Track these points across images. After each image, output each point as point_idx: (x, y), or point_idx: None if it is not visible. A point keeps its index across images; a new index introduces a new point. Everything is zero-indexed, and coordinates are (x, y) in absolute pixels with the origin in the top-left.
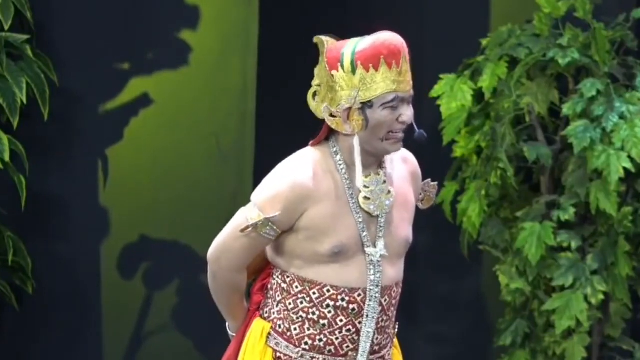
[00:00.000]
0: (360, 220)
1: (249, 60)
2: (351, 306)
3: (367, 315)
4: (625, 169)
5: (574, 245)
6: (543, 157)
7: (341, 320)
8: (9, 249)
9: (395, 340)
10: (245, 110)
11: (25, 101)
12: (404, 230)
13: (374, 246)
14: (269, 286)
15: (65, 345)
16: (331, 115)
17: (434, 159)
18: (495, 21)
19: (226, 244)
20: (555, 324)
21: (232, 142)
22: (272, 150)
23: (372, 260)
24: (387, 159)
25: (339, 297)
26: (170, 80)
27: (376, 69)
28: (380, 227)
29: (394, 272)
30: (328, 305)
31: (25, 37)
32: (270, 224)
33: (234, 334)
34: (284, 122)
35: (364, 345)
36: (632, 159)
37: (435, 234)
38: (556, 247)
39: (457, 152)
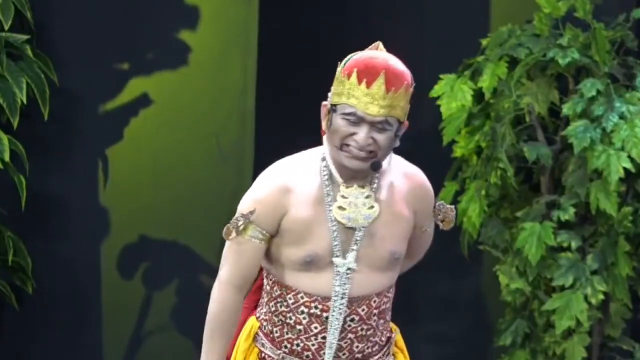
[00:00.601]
0: (335, 229)
1: (249, 60)
2: (324, 314)
3: (331, 326)
4: (625, 169)
5: (574, 245)
6: (543, 157)
7: (315, 327)
8: (9, 249)
9: (402, 343)
10: (245, 110)
11: (25, 101)
12: (390, 244)
13: (344, 257)
14: (264, 286)
15: (65, 345)
16: None
17: (434, 159)
18: (495, 21)
19: (224, 255)
20: (555, 324)
21: (232, 142)
22: (272, 150)
23: (338, 272)
24: (382, 172)
25: (312, 304)
26: (170, 80)
27: (348, 78)
28: (357, 239)
29: (374, 283)
30: (303, 312)
31: (25, 37)
32: (254, 226)
33: None
34: (284, 122)
35: (328, 355)
36: (632, 159)
37: (435, 233)
38: (556, 247)
39: (457, 152)
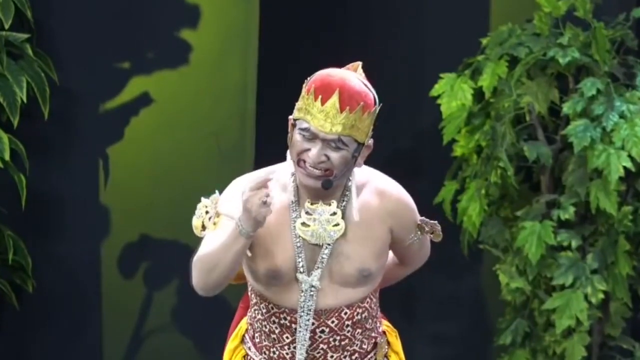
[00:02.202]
0: (299, 245)
1: (249, 60)
2: (293, 326)
3: (299, 340)
4: (625, 168)
5: (574, 244)
6: (543, 157)
7: (287, 337)
8: (9, 248)
9: (398, 347)
10: (245, 110)
11: (25, 100)
12: (358, 263)
13: (308, 275)
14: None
15: (65, 344)
16: None
17: (434, 158)
18: (496, 20)
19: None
20: (555, 323)
21: (232, 141)
22: (272, 150)
23: (302, 289)
24: (354, 192)
25: (282, 315)
26: (170, 79)
27: (307, 94)
28: (323, 257)
29: (343, 296)
30: (274, 322)
31: (25, 36)
32: (223, 216)
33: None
34: (284, 122)
35: None
36: (632, 158)
37: None
38: (556, 246)
39: (457, 151)
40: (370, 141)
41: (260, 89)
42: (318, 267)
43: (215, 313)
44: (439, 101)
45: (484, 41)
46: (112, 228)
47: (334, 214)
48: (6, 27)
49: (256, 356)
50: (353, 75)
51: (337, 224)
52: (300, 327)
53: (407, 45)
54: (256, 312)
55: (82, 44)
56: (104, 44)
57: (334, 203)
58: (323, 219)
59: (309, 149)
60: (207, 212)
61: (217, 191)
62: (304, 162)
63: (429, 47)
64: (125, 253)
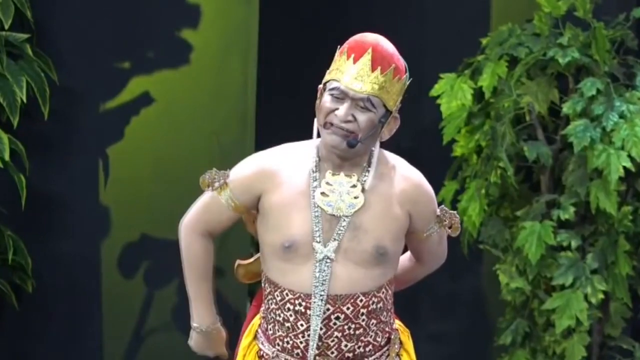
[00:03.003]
0: (317, 214)
1: (249, 60)
2: (308, 312)
3: (314, 313)
4: (625, 168)
5: (573, 244)
6: (543, 157)
7: (302, 325)
8: (9, 247)
9: (409, 346)
10: (245, 109)
11: (25, 100)
12: (375, 239)
13: (324, 246)
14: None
15: (65, 344)
16: None
17: (434, 158)
18: (495, 20)
19: (197, 201)
20: (555, 323)
21: (232, 141)
22: None
23: (317, 259)
24: (376, 168)
25: (296, 301)
26: (170, 79)
27: (340, 55)
28: (340, 229)
29: (358, 280)
30: (289, 309)
31: (25, 36)
32: (228, 190)
33: (195, 325)
34: (284, 122)
35: (312, 346)
36: (632, 158)
37: None
38: (556, 246)
39: (457, 151)
40: (398, 115)
41: (260, 89)
42: (334, 239)
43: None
44: (438, 101)
45: (484, 41)
46: (112, 227)
47: (354, 186)
48: (6, 27)
49: (269, 349)
50: (387, 40)
51: (356, 197)
52: (315, 297)
53: (407, 45)
54: (270, 302)
55: (82, 44)
56: (104, 43)
57: (355, 176)
58: (343, 190)
59: (337, 108)
60: (215, 179)
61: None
62: (331, 123)
63: (429, 47)
64: (125, 252)
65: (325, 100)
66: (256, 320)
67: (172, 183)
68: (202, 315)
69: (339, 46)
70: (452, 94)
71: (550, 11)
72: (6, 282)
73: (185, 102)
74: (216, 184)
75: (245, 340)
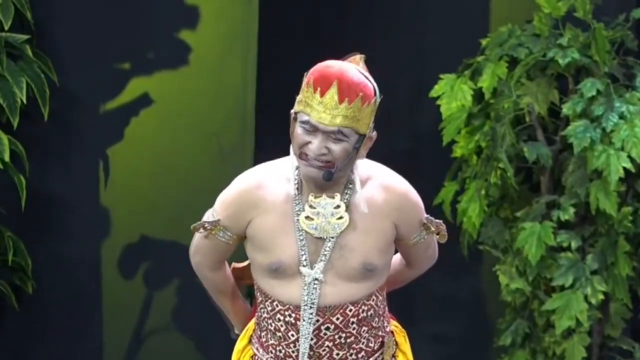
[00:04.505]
0: (302, 238)
1: (249, 60)
2: (299, 323)
3: (302, 334)
4: (625, 169)
5: (573, 245)
6: (543, 157)
7: (292, 335)
8: (9, 249)
9: (406, 347)
10: (245, 110)
11: (25, 101)
12: (361, 256)
13: (311, 268)
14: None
15: (65, 345)
16: None
17: (434, 159)
18: (495, 21)
19: (195, 242)
20: (555, 324)
21: (233, 141)
22: (272, 150)
23: (305, 282)
24: (357, 184)
25: (286, 312)
26: (170, 80)
27: (307, 86)
28: (326, 250)
29: (347, 292)
30: (279, 319)
31: (25, 37)
32: (222, 227)
33: (238, 334)
34: (284, 122)
35: None
36: (632, 159)
37: None
38: (556, 247)
39: (457, 152)
40: (374, 133)
41: (260, 89)
42: (321, 260)
43: (216, 313)
44: (438, 102)
45: (484, 42)
46: (112, 229)
47: (338, 207)
48: (6, 28)
49: (263, 356)
50: (352, 67)
51: (340, 217)
52: (304, 320)
53: (406, 46)
54: (262, 310)
55: (82, 44)
56: (103, 44)
57: (338, 196)
58: (327, 212)
59: (310, 142)
60: (205, 224)
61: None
62: (306, 155)
63: (428, 47)
64: (125, 253)
65: (298, 132)
66: (251, 325)
67: (172, 184)
68: (241, 328)
69: (306, 73)
70: (452, 95)
71: (550, 12)
72: (6, 283)
73: (185, 103)
74: (207, 226)
75: (239, 343)
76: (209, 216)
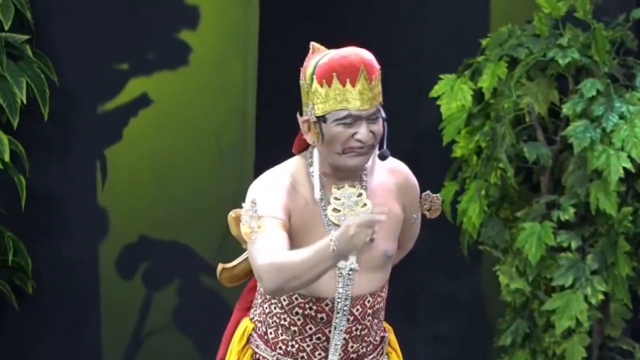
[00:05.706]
0: (329, 231)
1: (249, 60)
2: (319, 315)
3: (336, 328)
4: (625, 169)
5: (573, 245)
6: (543, 157)
7: (310, 329)
8: (9, 248)
9: (395, 344)
10: (245, 110)
11: (25, 101)
12: (383, 243)
13: (346, 259)
14: (257, 287)
15: (65, 345)
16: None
17: (434, 159)
18: (495, 21)
19: (252, 254)
20: (555, 324)
21: (232, 142)
22: (272, 150)
23: (341, 273)
24: (369, 170)
25: (307, 305)
26: (169, 80)
27: (329, 84)
28: None
29: (368, 283)
30: (297, 313)
31: (25, 37)
32: (269, 219)
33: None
34: (284, 122)
35: (332, 358)
36: (632, 159)
37: (435, 234)
38: (556, 247)
39: (457, 152)
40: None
41: (260, 89)
42: None
43: (215, 313)
44: (438, 102)
45: (484, 42)
46: (111, 229)
47: (360, 195)
48: (6, 28)
49: (267, 353)
50: (353, 48)
51: (364, 204)
52: (339, 312)
53: (406, 46)
54: (272, 306)
55: (81, 45)
56: (103, 45)
57: (358, 184)
58: (351, 202)
59: (355, 132)
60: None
61: (247, 200)
62: (351, 147)
63: (428, 47)
64: (124, 253)
65: (337, 131)
66: (247, 324)
67: (171, 184)
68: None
69: (313, 76)
70: (452, 95)
71: (550, 12)
72: (6, 283)
73: (184, 103)
74: (253, 224)
75: (238, 345)
76: (251, 222)
